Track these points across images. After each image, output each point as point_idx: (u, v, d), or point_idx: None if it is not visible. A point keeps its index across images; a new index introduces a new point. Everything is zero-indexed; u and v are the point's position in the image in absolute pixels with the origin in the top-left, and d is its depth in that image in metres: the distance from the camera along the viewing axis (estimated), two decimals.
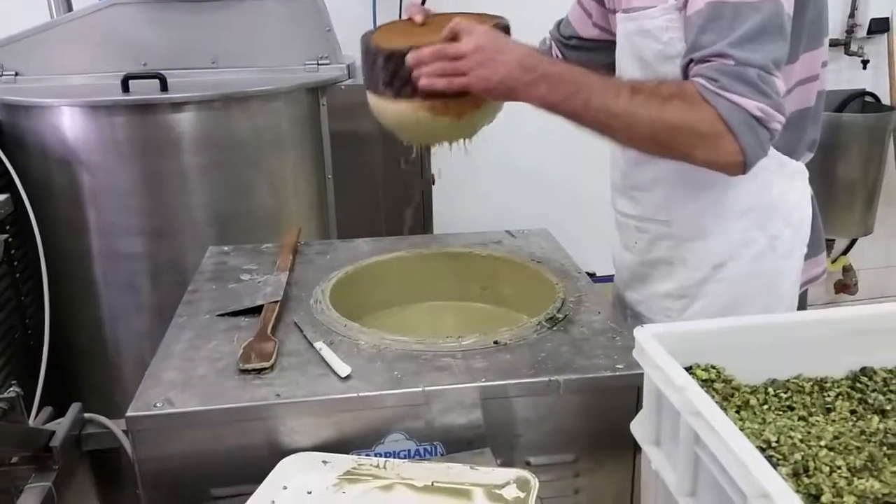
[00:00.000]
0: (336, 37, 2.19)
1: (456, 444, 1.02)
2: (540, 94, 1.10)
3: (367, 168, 2.12)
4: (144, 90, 1.93)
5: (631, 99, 1.05)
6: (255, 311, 1.19)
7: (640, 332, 0.85)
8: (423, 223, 2.23)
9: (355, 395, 0.98)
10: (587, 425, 1.04)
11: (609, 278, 1.55)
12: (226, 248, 1.49)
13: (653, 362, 0.80)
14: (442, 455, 1.02)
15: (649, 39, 1.20)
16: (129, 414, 0.96)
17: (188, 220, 1.93)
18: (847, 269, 3.35)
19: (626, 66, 1.27)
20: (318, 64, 2.11)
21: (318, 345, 1.07)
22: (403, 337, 1.11)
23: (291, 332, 1.14)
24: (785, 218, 1.24)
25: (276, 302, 1.19)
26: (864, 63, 3.12)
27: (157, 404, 0.96)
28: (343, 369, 1.01)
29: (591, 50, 1.45)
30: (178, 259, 1.90)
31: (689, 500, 0.74)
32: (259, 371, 1.02)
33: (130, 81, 1.94)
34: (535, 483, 0.88)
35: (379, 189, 2.15)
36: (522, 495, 0.88)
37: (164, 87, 1.93)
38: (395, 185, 2.18)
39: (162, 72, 1.96)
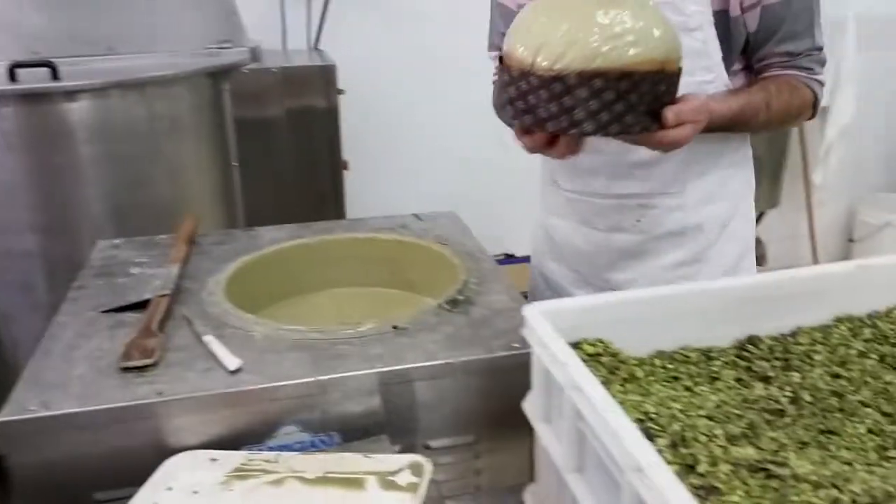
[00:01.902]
0: (240, 20, 2.12)
1: (353, 433, 1.00)
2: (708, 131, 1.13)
3: (275, 155, 2.06)
4: (34, 79, 1.83)
5: (768, 111, 1.21)
6: (144, 306, 1.13)
7: (528, 310, 0.84)
8: (337, 210, 2.19)
9: (243, 388, 0.94)
10: (486, 406, 1.03)
11: (529, 259, 1.55)
12: (117, 242, 1.42)
13: (539, 339, 0.79)
14: (339, 445, 0.99)
15: (669, 9, 1.15)
16: (0, 419, 0.90)
17: (84, 215, 1.84)
18: (757, 242, 3.46)
19: None
20: (220, 48, 2.04)
21: (207, 338, 1.03)
22: (299, 326, 1.07)
23: (181, 327, 1.09)
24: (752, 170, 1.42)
25: (165, 295, 1.13)
26: None
27: (32, 407, 0.91)
28: (232, 362, 0.97)
29: None
30: (75, 255, 1.79)
31: (575, 475, 0.73)
32: (141, 368, 0.97)
33: (18, 70, 1.83)
34: (428, 467, 0.87)
35: (288, 176, 2.10)
36: (416, 480, 0.86)
37: (54, 75, 1.83)
38: (306, 172, 2.14)
39: (53, 60, 1.86)
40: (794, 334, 0.89)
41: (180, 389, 0.93)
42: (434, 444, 1.03)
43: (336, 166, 2.16)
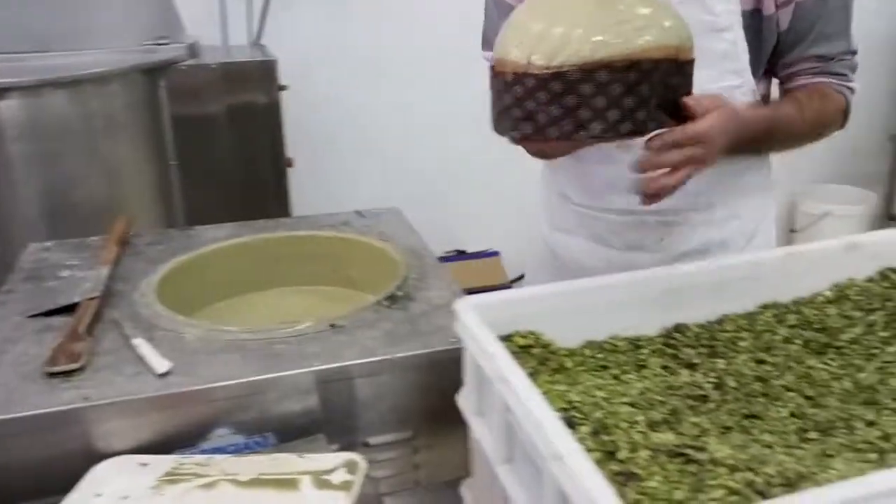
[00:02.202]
0: (178, 15, 2.08)
1: (290, 433, 0.99)
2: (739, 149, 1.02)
3: (216, 153, 2.03)
4: None
5: (802, 122, 1.13)
6: (73, 309, 1.10)
7: (459, 304, 0.84)
8: (281, 208, 2.16)
9: (172, 391, 0.92)
10: (424, 401, 1.03)
11: (481, 254, 1.54)
12: (48, 244, 1.38)
13: (469, 333, 0.79)
14: (275, 446, 0.98)
15: (697, 8, 1.09)
16: None
17: (16, 216, 1.78)
18: None
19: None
20: (156, 44, 1.99)
21: (136, 341, 1.00)
22: (232, 327, 1.06)
23: (110, 330, 1.06)
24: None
25: (94, 298, 1.10)
26: None
27: None
28: (161, 365, 0.95)
29: None
30: (5, 259, 1.75)
31: (505, 467, 0.74)
32: (68, 373, 0.94)
33: None
34: (363, 465, 0.86)
35: (230, 174, 2.07)
36: (351, 478, 0.86)
37: None
38: (249, 170, 2.10)
39: None
40: (720, 322, 0.90)
41: (108, 394, 0.91)
42: (373, 440, 1.03)
43: (280, 164, 2.13)
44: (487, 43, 1.25)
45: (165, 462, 0.89)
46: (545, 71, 0.78)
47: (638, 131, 0.83)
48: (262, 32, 2.59)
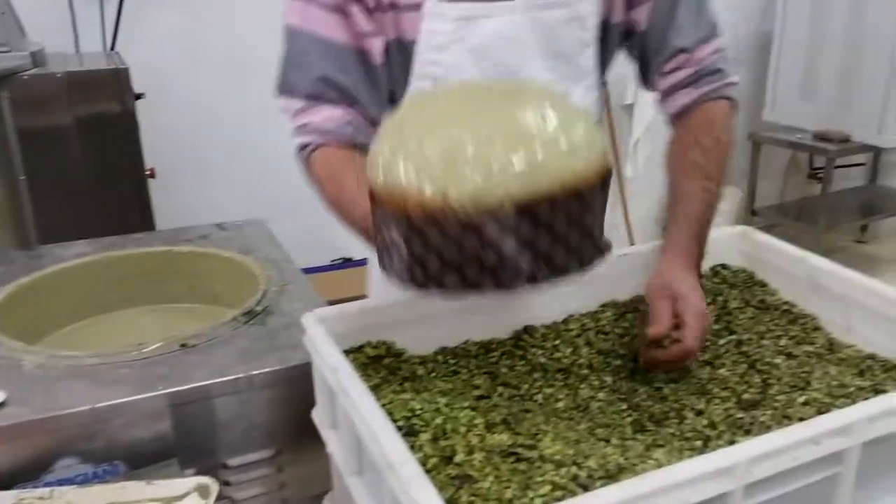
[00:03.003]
0: (19, 22, 1.95)
1: (141, 460, 0.95)
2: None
3: (68, 166, 1.92)
4: None
5: (718, 178, 1.04)
6: None
7: (306, 318, 0.83)
8: (144, 221, 2.07)
9: (9, 423, 0.87)
10: (285, 417, 1.01)
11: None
12: None
13: (315, 347, 0.79)
14: (125, 474, 0.93)
15: (576, 28, 1.03)
16: None
17: None
18: None
19: (529, 66, 1.02)
20: None
21: None
22: (75, 352, 1.00)
23: None
24: None
25: None
26: None
27: None
28: None
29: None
30: None
31: (356, 479, 0.73)
32: None
33: None
34: (214, 488, 0.84)
35: (85, 188, 1.96)
36: (203, 502, 0.83)
37: None
38: (105, 183, 2.00)
39: None
40: (565, 321, 0.94)
41: None
42: (233, 462, 1.00)
43: (139, 175, 2.04)
44: (289, 88, 1.01)
45: (4, 498, 0.83)
46: (474, 215, 0.60)
47: (585, 265, 0.69)
48: (116, 39, 2.47)
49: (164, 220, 2.28)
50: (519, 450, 0.64)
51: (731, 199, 3.69)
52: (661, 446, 0.71)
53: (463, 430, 0.68)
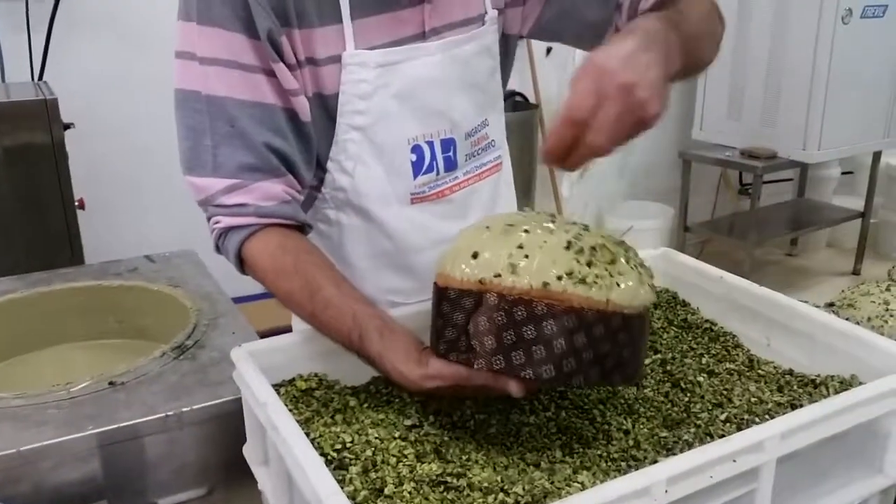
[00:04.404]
0: None
1: (69, 502, 0.92)
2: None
3: None
4: None
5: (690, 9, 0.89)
6: None
7: (235, 353, 0.82)
8: (74, 254, 2.02)
9: None
10: (218, 454, 1.00)
11: None
12: None
13: (244, 382, 0.78)
14: None
15: (486, 57, 1.04)
16: None
17: None
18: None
19: (451, 102, 1.01)
20: None
21: None
22: (1, 393, 0.97)
23: None
24: None
25: None
26: None
27: None
28: None
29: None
30: None
31: None
32: None
33: None
34: None
35: (12, 220, 1.90)
36: None
37: None
38: (34, 216, 1.94)
39: None
40: None
41: None
42: (164, 501, 0.98)
43: (69, 207, 1.99)
44: (214, 167, 0.89)
45: None
46: (632, 312, 0.72)
47: (625, 381, 0.77)
48: (44, 68, 2.42)
49: (94, 251, 2.23)
50: (448, 478, 0.65)
51: (663, 216, 3.80)
52: (588, 468, 0.73)
53: (393, 461, 0.68)
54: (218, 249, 0.94)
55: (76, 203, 2.07)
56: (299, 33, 0.90)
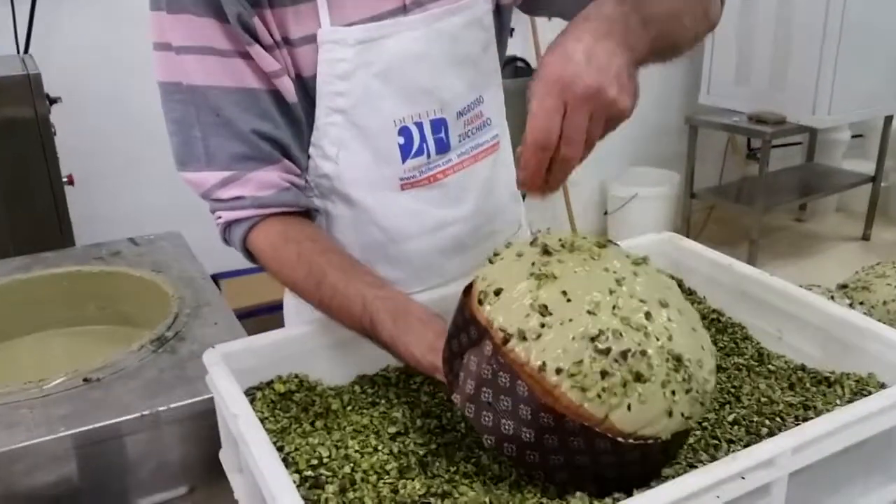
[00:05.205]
0: None
1: None
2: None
3: None
4: None
5: None
6: None
7: (208, 355, 0.77)
8: (63, 233, 1.96)
9: None
10: (199, 452, 0.95)
11: None
12: None
13: (216, 388, 0.73)
14: None
15: (476, 30, 0.97)
16: None
17: None
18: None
19: (438, 80, 0.93)
20: None
21: None
22: None
23: None
24: None
25: None
26: (511, 31, 3.35)
27: None
28: None
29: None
30: None
31: None
32: None
33: None
34: None
35: None
36: None
37: None
38: (19, 194, 1.89)
39: None
40: None
41: None
42: (144, 502, 0.94)
43: (56, 184, 1.93)
44: (206, 159, 0.85)
45: None
46: (629, 441, 0.60)
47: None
48: (29, 41, 2.34)
49: (86, 228, 2.18)
50: (431, 499, 0.60)
51: (668, 182, 3.72)
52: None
53: (374, 478, 0.63)
54: (226, 242, 0.91)
55: (65, 179, 2.01)
56: (271, 13, 0.84)
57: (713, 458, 0.68)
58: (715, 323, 0.93)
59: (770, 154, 3.35)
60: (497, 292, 0.64)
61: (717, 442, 0.72)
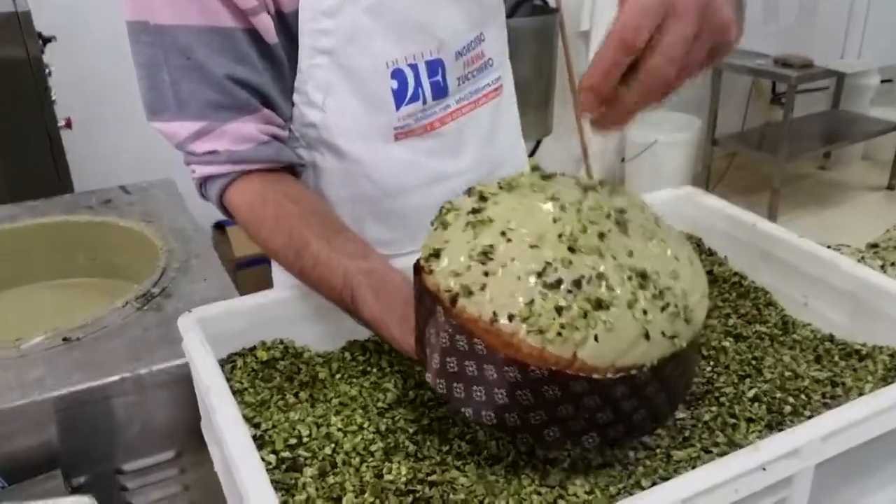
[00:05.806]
0: None
1: (24, 471, 0.84)
2: None
3: None
4: None
5: None
6: None
7: (183, 321, 0.72)
8: (60, 179, 1.91)
9: None
10: (185, 415, 0.90)
11: None
12: None
13: (191, 357, 0.68)
14: (3, 490, 0.83)
15: None
16: None
17: None
18: (536, 169, 3.53)
19: (436, 15, 0.85)
20: None
21: None
22: None
23: None
24: None
25: None
26: None
27: None
28: None
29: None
30: None
31: None
32: None
33: None
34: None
35: None
36: None
37: None
38: (13, 139, 1.82)
39: None
40: None
41: None
42: (129, 467, 0.90)
43: (51, 128, 1.86)
44: (177, 108, 0.77)
45: None
46: (608, 376, 0.54)
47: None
48: None
49: (85, 173, 2.13)
50: (418, 486, 0.55)
51: (689, 128, 3.59)
52: (585, 474, 0.61)
53: (356, 460, 0.58)
54: (203, 197, 0.84)
55: (63, 123, 1.95)
56: None
57: (730, 441, 0.62)
58: (736, 287, 0.86)
59: (795, 99, 3.21)
60: (436, 254, 0.58)
61: (735, 421, 0.66)
